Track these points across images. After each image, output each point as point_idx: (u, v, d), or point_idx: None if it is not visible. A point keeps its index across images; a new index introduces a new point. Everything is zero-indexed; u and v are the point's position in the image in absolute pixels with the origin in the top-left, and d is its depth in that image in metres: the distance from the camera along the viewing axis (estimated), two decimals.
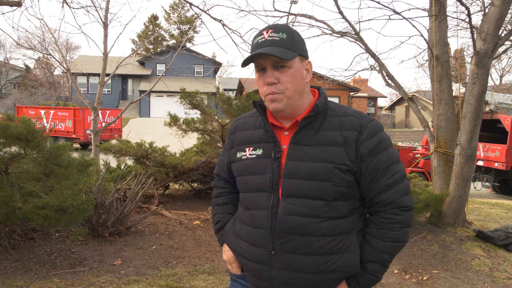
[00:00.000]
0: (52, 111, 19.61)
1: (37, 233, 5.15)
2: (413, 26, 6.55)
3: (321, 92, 1.65)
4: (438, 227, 6.03)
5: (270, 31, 1.52)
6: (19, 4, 4.71)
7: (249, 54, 1.55)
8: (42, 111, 19.71)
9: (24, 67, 46.61)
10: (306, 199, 1.50)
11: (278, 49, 1.48)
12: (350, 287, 1.56)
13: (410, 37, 7.06)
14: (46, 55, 9.47)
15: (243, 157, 1.67)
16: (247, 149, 1.67)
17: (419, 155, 11.19)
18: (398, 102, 40.55)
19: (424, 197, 5.71)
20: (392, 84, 6.81)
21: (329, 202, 1.50)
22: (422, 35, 6.32)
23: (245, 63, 1.56)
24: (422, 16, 6.97)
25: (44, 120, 19.16)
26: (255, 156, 1.63)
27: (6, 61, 48.50)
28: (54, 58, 9.72)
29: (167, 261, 4.62)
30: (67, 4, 6.59)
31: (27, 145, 4.25)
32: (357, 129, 1.52)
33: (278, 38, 1.50)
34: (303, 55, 1.57)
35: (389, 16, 6.39)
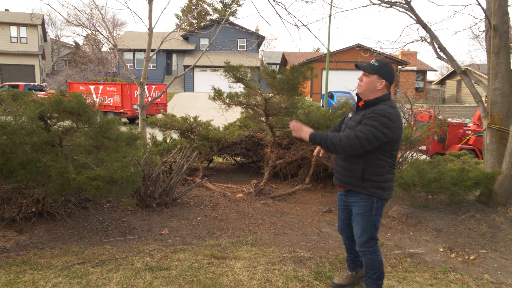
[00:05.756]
0: (101, 87, 20.26)
1: (90, 202, 5.43)
2: None
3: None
4: (488, 207, 5.80)
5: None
6: None
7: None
8: (92, 87, 20.39)
9: (74, 44, 48.29)
10: None
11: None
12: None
13: (465, 6, 6.63)
14: (94, 32, 9.74)
15: None
16: None
17: (470, 132, 10.71)
18: (449, 76, 38.64)
19: (474, 175, 5.49)
20: (444, 56, 6.48)
21: None
22: (479, 4, 5.92)
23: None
24: None
25: (94, 95, 19.85)
26: None
27: (57, 39, 50.45)
28: (101, 34, 10.00)
29: (211, 232, 4.75)
30: None
31: (79, 119, 4.44)
32: (370, 111, 2.86)
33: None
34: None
35: None
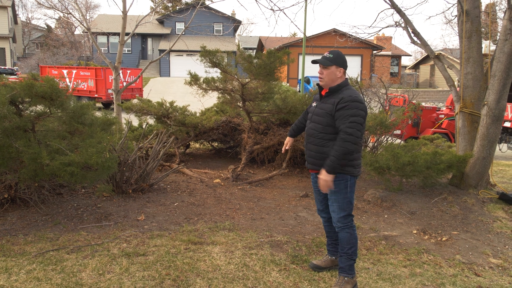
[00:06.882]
0: (74, 71, 19.77)
1: (64, 189, 5.33)
2: None
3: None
4: (460, 189, 5.96)
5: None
6: None
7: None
8: (65, 71, 19.85)
9: (46, 27, 46.74)
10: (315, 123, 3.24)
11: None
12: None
13: None
14: (66, 14, 9.44)
15: None
16: None
17: (443, 116, 10.94)
18: (423, 61, 39.25)
19: (447, 158, 5.63)
20: (418, 41, 6.57)
21: (324, 126, 3.16)
22: None
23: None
24: None
25: (67, 79, 19.36)
26: None
27: (28, 21, 48.70)
28: (74, 17, 9.70)
29: (188, 217, 4.74)
30: None
31: (51, 104, 4.32)
32: (339, 100, 3.08)
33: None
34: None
35: None
